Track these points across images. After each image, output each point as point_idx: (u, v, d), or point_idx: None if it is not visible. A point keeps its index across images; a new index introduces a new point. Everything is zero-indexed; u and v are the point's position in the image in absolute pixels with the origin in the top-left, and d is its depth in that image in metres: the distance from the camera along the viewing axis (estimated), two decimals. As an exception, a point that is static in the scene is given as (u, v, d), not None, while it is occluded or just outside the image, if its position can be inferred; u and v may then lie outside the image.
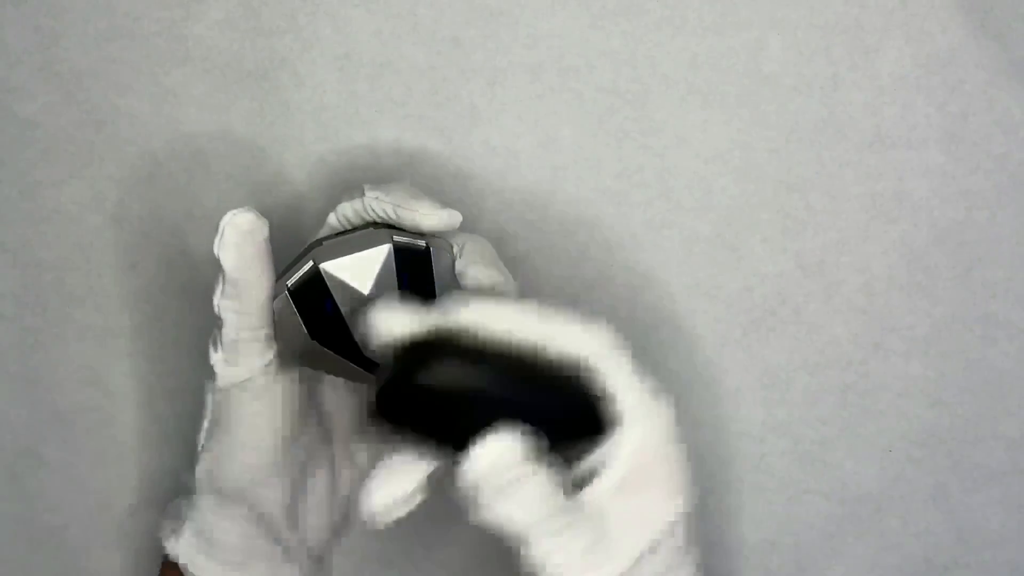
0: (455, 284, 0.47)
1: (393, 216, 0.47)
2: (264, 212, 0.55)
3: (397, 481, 0.44)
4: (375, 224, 0.48)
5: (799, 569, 0.54)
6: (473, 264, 0.47)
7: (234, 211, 0.43)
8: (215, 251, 0.44)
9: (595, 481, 0.41)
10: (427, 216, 0.46)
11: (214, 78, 0.54)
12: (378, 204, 0.47)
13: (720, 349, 0.54)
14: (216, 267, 0.43)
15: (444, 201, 0.50)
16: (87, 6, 0.53)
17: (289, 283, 0.46)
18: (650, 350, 0.54)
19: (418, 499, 0.44)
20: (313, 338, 0.47)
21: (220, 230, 0.43)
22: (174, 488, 0.56)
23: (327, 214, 0.50)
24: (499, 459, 0.40)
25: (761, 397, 0.54)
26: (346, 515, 0.53)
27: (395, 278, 0.47)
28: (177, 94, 0.54)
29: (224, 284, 0.44)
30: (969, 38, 0.51)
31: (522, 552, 0.41)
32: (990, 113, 0.52)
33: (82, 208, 0.54)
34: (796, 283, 0.53)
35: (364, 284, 0.46)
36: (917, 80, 0.52)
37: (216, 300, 0.45)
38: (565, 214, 0.54)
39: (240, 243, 0.44)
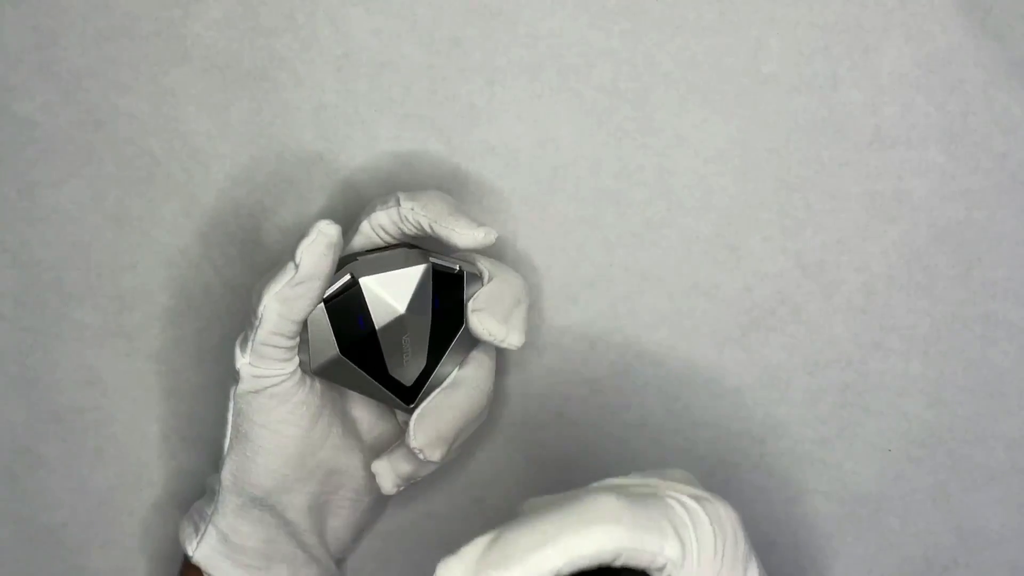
0: None
1: (428, 230, 0.47)
2: (264, 212, 0.55)
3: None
4: (408, 245, 0.49)
5: (799, 569, 0.54)
6: (479, 312, 0.47)
7: (327, 220, 0.45)
8: (298, 251, 0.44)
9: None
10: (463, 235, 0.46)
11: (213, 78, 0.54)
12: (413, 216, 0.47)
13: (719, 349, 0.54)
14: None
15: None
16: (86, 6, 0.53)
17: (325, 295, 0.46)
18: (650, 350, 0.54)
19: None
20: (342, 352, 0.47)
21: (312, 235, 0.44)
22: (175, 488, 0.56)
23: (327, 214, 0.50)
24: None
25: (761, 397, 0.54)
26: (371, 520, 0.53)
27: (429, 299, 0.47)
28: (176, 94, 0.54)
29: (285, 285, 0.45)
30: (969, 38, 0.51)
31: None
32: (990, 113, 0.52)
33: (81, 208, 0.54)
34: (796, 283, 0.53)
35: (400, 302, 0.47)
36: (917, 80, 0.52)
37: (266, 298, 0.45)
38: (565, 214, 0.53)
39: (325, 252, 0.44)
